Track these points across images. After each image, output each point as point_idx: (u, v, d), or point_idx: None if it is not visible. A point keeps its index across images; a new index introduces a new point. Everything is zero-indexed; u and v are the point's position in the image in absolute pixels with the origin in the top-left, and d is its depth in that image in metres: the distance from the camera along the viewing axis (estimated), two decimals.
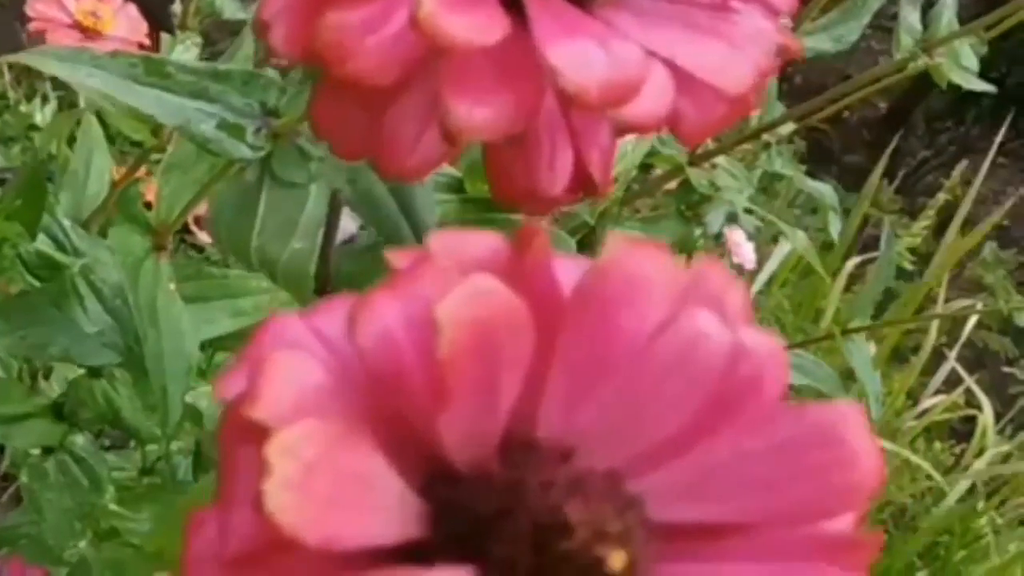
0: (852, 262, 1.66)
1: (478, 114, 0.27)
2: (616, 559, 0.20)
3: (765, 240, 1.61)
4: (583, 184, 0.30)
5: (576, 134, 0.29)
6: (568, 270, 0.22)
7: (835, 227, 0.87)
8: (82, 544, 0.85)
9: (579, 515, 0.20)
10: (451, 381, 0.20)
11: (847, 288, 1.69)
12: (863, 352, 0.80)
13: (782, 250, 1.56)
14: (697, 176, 0.71)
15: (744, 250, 1.32)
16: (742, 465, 0.22)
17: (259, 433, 0.20)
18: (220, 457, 0.23)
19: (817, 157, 2.17)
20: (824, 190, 0.84)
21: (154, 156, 0.82)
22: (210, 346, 0.93)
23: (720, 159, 0.74)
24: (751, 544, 0.22)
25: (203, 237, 1.40)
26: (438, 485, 0.22)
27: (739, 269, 1.33)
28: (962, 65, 0.71)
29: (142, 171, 0.85)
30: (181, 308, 0.69)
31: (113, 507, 0.86)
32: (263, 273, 0.55)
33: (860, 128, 2.53)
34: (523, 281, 0.20)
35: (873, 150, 2.45)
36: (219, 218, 0.53)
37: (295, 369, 0.21)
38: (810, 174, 0.99)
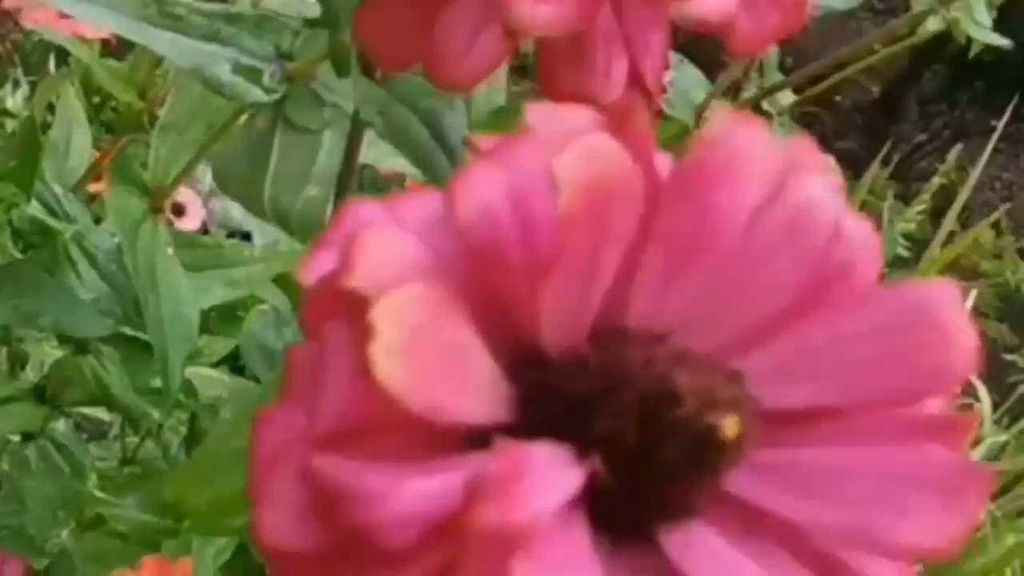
0: None
1: (543, 9, 0.28)
2: (729, 426, 0.20)
3: None
4: (638, 93, 0.31)
5: (631, 40, 0.30)
6: (662, 159, 0.22)
7: None
8: (64, 534, 0.84)
9: (688, 383, 0.20)
10: (563, 244, 0.20)
11: None
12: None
13: None
14: None
15: None
16: (839, 347, 0.22)
17: (354, 306, 0.21)
18: (303, 342, 0.23)
19: None
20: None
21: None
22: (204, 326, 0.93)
23: None
24: (848, 428, 0.22)
25: (184, 224, 1.40)
26: (527, 369, 0.22)
27: None
28: (977, 21, 0.72)
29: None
30: (181, 273, 0.69)
31: (97, 494, 0.86)
32: (276, 223, 0.55)
33: (852, 113, 2.54)
34: (630, 153, 0.20)
35: (866, 135, 2.46)
36: (230, 168, 0.53)
37: (390, 241, 0.21)
38: None
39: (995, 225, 2.20)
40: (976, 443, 1.73)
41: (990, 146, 1.67)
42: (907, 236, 1.83)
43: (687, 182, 0.21)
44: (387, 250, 0.21)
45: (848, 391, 0.22)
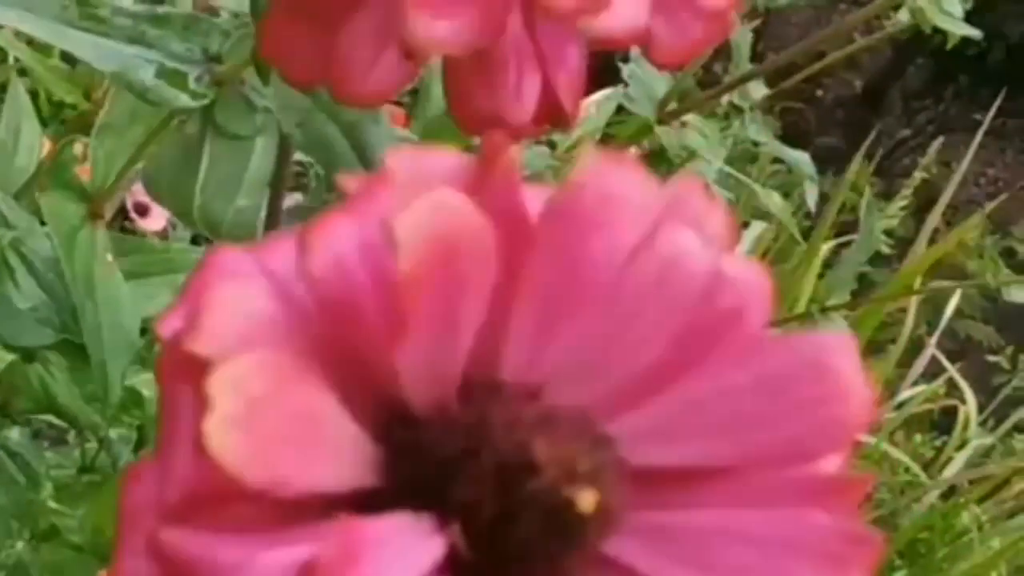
0: (827, 246, 1.66)
1: (440, 27, 0.27)
2: (586, 499, 0.19)
3: (736, 223, 1.61)
4: (551, 112, 0.30)
5: (544, 56, 0.29)
6: (535, 196, 0.21)
7: (812, 197, 0.86)
8: (19, 545, 0.83)
9: (546, 452, 0.20)
10: (410, 304, 0.19)
11: (822, 275, 1.69)
12: (842, 331, 0.79)
13: (753, 233, 1.56)
14: (666, 135, 0.71)
15: None
16: (724, 402, 0.21)
17: (201, 369, 0.20)
18: (159, 403, 0.22)
19: (791, 138, 2.17)
20: (801, 158, 0.84)
21: None
22: (151, 333, 0.92)
23: (690, 117, 0.73)
24: (733, 489, 0.21)
25: (143, 225, 1.39)
26: (394, 429, 0.21)
27: None
28: (945, 10, 0.71)
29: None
30: (120, 280, 0.68)
31: (52, 504, 0.85)
32: (207, 233, 0.54)
33: (835, 108, 2.54)
34: (488, 200, 0.19)
35: (848, 130, 2.46)
36: (159, 175, 0.52)
37: (240, 298, 0.20)
38: None
39: (981, 223, 2.19)
40: (961, 446, 1.73)
41: (976, 141, 1.67)
42: (889, 233, 1.83)
43: (557, 227, 0.20)
44: (235, 312, 0.20)
45: (735, 449, 0.21)
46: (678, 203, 0.21)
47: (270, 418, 0.19)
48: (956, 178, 1.72)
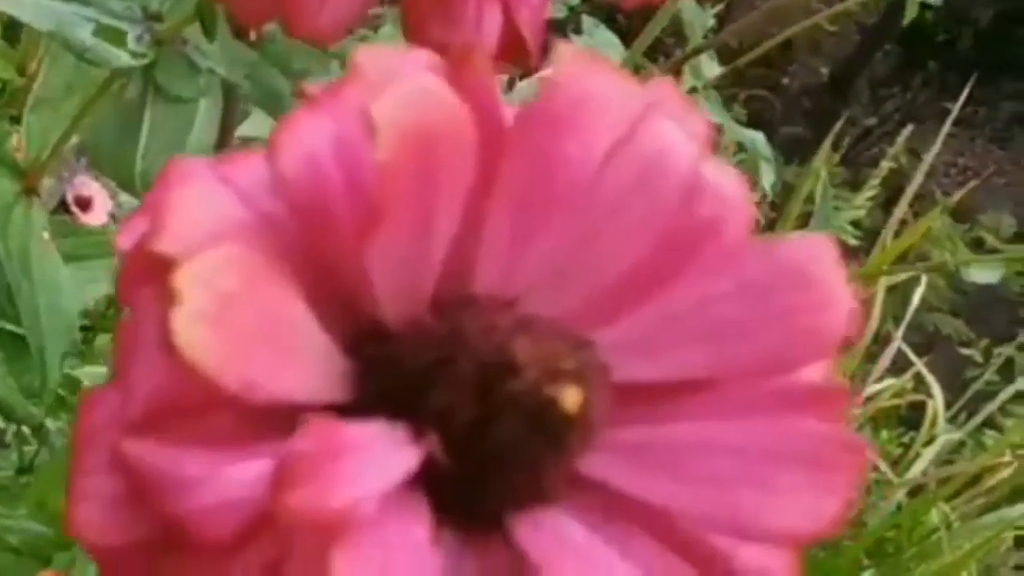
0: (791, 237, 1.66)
1: None
2: (570, 397, 0.19)
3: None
4: (513, 47, 0.30)
5: None
6: (507, 106, 0.22)
7: (768, 178, 0.87)
8: None
9: (527, 352, 0.20)
10: (385, 197, 0.19)
11: None
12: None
13: None
14: None
15: None
16: (705, 312, 0.21)
17: (167, 271, 0.20)
18: (120, 316, 0.22)
19: (756, 126, 2.18)
20: (757, 139, 0.84)
21: None
22: (91, 328, 0.92)
23: None
24: (716, 400, 0.22)
25: (89, 219, 1.37)
26: (367, 343, 0.21)
27: None
28: None
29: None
30: (58, 261, 0.67)
31: None
32: None
33: (800, 96, 2.55)
34: (464, 97, 0.20)
35: (814, 119, 2.47)
36: (99, 140, 0.52)
37: (206, 198, 0.20)
38: None
39: (951, 214, 2.21)
40: (929, 442, 1.74)
41: (944, 130, 1.68)
42: (856, 224, 1.84)
43: (531, 129, 0.20)
44: (203, 209, 0.20)
45: (716, 359, 0.21)
46: (657, 104, 0.21)
47: (241, 316, 0.19)
48: (923, 167, 1.73)
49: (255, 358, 0.19)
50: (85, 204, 1.30)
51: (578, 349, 0.20)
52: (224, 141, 0.49)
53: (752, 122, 2.24)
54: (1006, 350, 1.89)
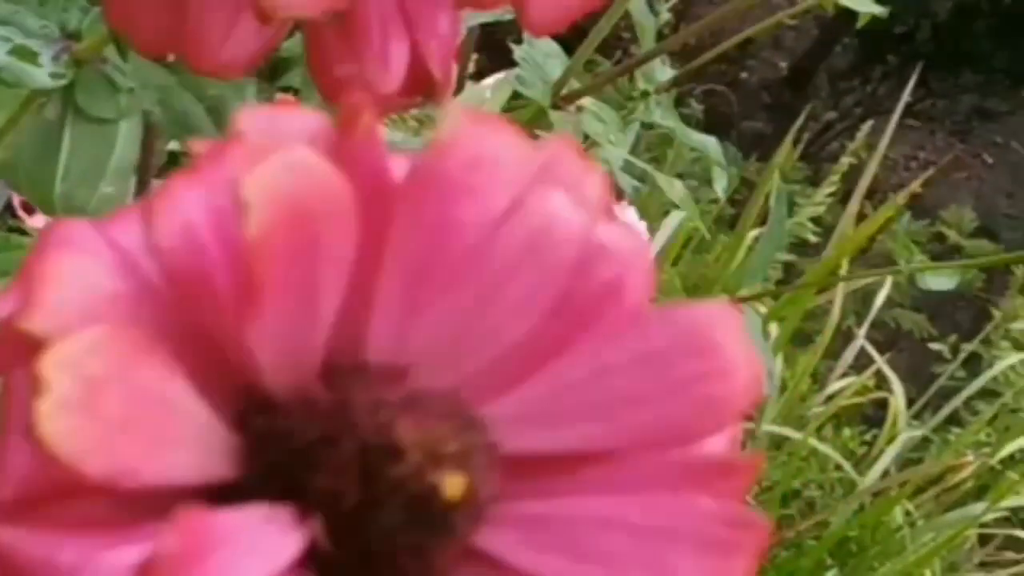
0: (751, 234, 1.66)
1: None
2: (453, 484, 0.19)
3: (655, 216, 1.61)
4: (421, 81, 0.29)
5: (411, 21, 0.29)
6: (399, 163, 0.21)
7: (720, 183, 0.86)
8: None
9: (410, 435, 0.19)
10: (261, 273, 0.18)
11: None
12: (752, 321, 0.79)
13: (671, 222, 1.56)
14: (561, 121, 0.70)
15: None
16: (602, 382, 0.21)
17: (37, 351, 0.19)
18: None
19: (714, 122, 2.18)
20: (709, 142, 0.84)
21: None
22: None
23: (586, 101, 0.73)
24: (615, 473, 0.21)
25: (31, 223, 1.36)
26: (252, 415, 0.21)
27: None
28: None
29: None
30: None
31: None
32: None
33: (759, 90, 2.56)
34: (348, 162, 0.19)
35: (774, 114, 2.47)
36: (18, 162, 0.51)
37: (81, 271, 0.19)
38: None
39: (912, 210, 2.22)
40: (891, 439, 1.75)
41: (893, 120, 1.68)
42: (816, 221, 1.84)
43: (422, 193, 0.20)
44: (74, 286, 0.19)
45: (613, 432, 0.21)
46: (552, 166, 0.21)
47: (111, 401, 0.18)
48: (876, 160, 1.73)
49: (126, 444, 0.19)
50: (31, 208, 1.28)
51: (465, 429, 0.20)
52: (147, 162, 0.49)
53: (711, 118, 2.25)
54: (970, 346, 1.90)
